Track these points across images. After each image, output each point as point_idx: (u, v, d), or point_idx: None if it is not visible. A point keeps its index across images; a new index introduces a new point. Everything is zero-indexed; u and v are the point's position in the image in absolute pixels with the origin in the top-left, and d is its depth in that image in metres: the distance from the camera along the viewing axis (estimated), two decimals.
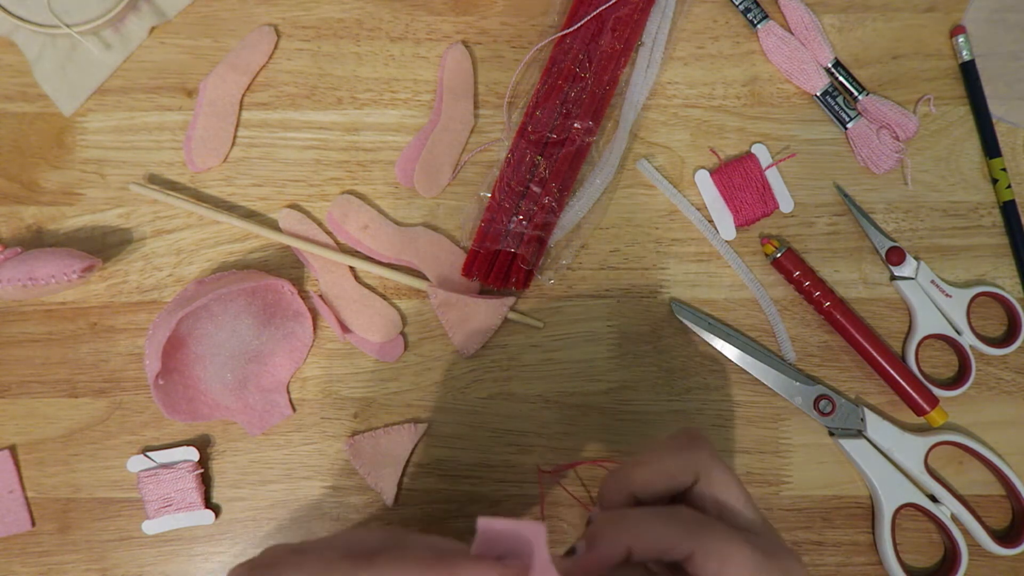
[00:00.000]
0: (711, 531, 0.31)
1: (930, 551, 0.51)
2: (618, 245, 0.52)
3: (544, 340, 0.51)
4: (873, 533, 0.50)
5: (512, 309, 0.51)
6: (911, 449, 0.50)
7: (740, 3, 0.53)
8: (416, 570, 0.28)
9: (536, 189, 0.50)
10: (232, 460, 0.51)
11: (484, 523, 0.27)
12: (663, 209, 0.52)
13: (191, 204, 0.51)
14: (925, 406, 0.50)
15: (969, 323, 0.51)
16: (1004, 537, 0.50)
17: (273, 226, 0.51)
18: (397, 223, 0.52)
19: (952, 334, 0.51)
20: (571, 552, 0.30)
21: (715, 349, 0.51)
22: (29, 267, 0.47)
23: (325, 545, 0.32)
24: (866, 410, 0.50)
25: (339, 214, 0.51)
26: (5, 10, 0.51)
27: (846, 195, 0.52)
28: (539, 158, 0.50)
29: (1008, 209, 0.52)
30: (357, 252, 0.52)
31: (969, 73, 0.53)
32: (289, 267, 0.52)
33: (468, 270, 0.50)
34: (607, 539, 0.30)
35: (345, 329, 0.51)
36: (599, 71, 0.51)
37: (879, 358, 0.50)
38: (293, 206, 0.52)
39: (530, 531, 0.27)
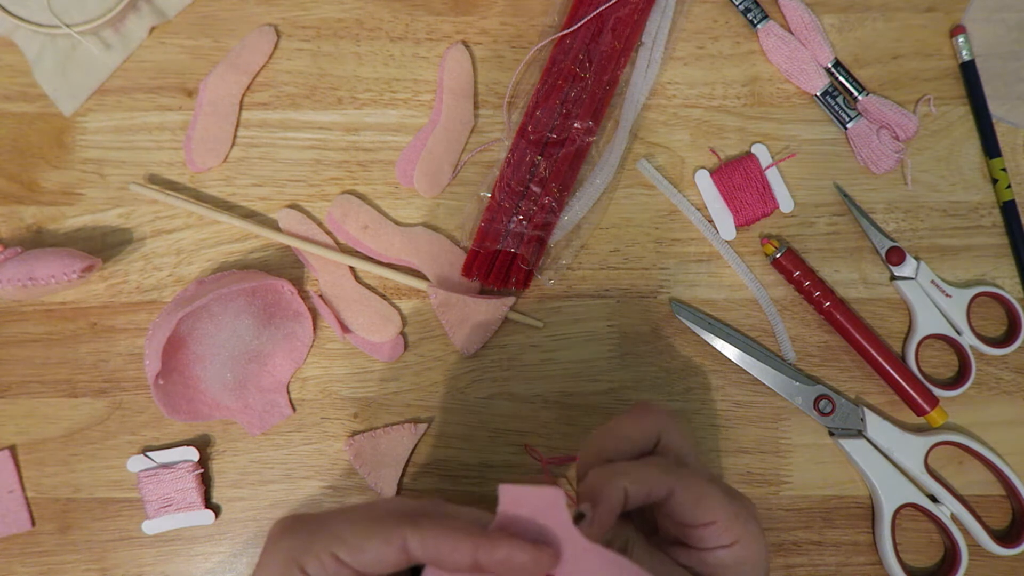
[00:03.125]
0: (687, 472, 0.34)
1: (930, 551, 0.51)
2: (618, 245, 0.52)
3: (544, 340, 0.51)
4: (873, 533, 0.50)
5: (512, 309, 0.51)
6: (911, 449, 0.50)
7: (740, 3, 0.53)
8: (460, 536, 0.30)
9: (536, 189, 0.50)
10: (232, 460, 0.51)
11: (505, 489, 0.30)
12: (663, 209, 0.52)
13: (191, 204, 0.51)
14: (925, 406, 0.50)
15: (969, 323, 0.51)
16: (1004, 537, 0.50)
17: (273, 226, 0.51)
18: (397, 223, 0.52)
19: (952, 334, 0.51)
20: (580, 517, 0.31)
21: (715, 349, 0.51)
22: (29, 267, 0.47)
23: (366, 506, 0.33)
24: (866, 410, 0.50)
25: (339, 214, 0.51)
26: (5, 10, 0.51)
27: (846, 195, 0.52)
28: (539, 158, 0.50)
29: (1008, 209, 0.52)
30: (357, 252, 0.52)
31: (969, 73, 0.53)
32: (289, 267, 0.52)
33: (468, 270, 0.50)
34: (606, 488, 0.32)
35: (345, 329, 0.51)
36: (599, 71, 0.51)
37: (879, 358, 0.50)
38: (293, 206, 0.52)
39: (549, 495, 0.30)
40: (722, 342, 0.50)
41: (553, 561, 0.29)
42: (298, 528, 0.32)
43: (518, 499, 0.30)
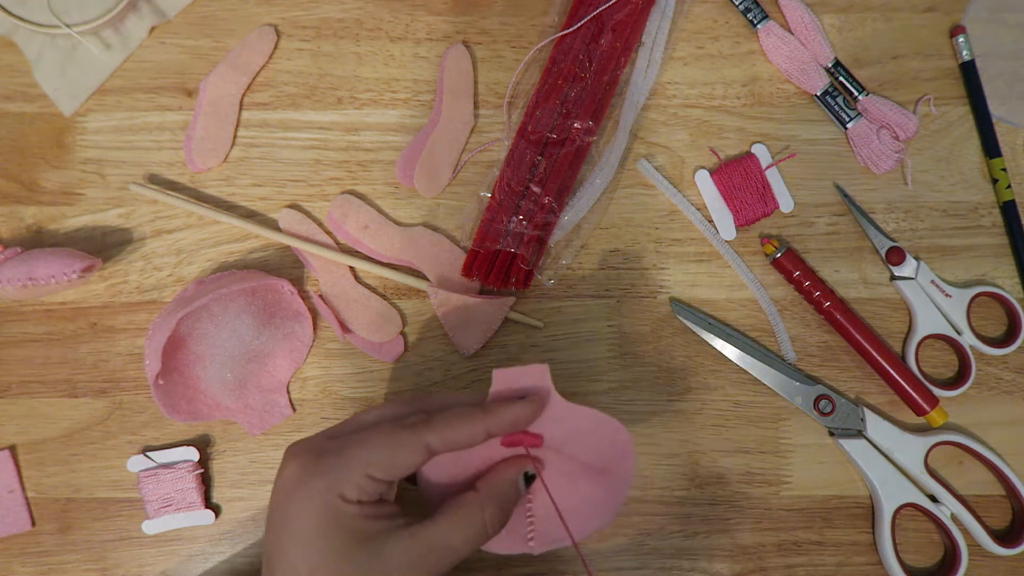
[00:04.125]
0: None
1: (930, 551, 0.51)
2: (618, 245, 0.52)
3: (544, 340, 0.51)
4: (873, 533, 0.50)
5: (512, 309, 0.51)
6: (911, 449, 0.50)
7: (740, 3, 0.53)
8: (468, 422, 0.35)
9: (536, 189, 0.50)
10: (232, 460, 0.50)
11: (498, 371, 0.37)
12: (663, 209, 0.52)
13: (191, 204, 0.51)
14: (925, 406, 0.50)
15: (969, 323, 0.51)
16: (1004, 537, 0.50)
17: (273, 226, 0.51)
18: (397, 223, 0.52)
19: (952, 334, 0.51)
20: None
21: (715, 349, 0.51)
22: (29, 267, 0.47)
23: (356, 425, 0.37)
24: (866, 410, 0.50)
25: (339, 214, 0.51)
26: (5, 10, 0.51)
27: (846, 195, 0.52)
28: (539, 158, 0.50)
29: (1008, 209, 0.52)
30: (357, 252, 0.52)
31: (969, 73, 0.53)
32: (289, 267, 0.52)
33: (468, 270, 0.50)
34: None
35: (345, 329, 0.51)
36: (599, 71, 0.51)
37: (879, 358, 0.50)
38: (293, 206, 0.52)
39: (536, 370, 0.37)
40: (722, 342, 0.50)
41: (543, 404, 0.36)
42: (325, 462, 0.34)
43: (509, 379, 0.37)
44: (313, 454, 0.35)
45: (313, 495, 0.33)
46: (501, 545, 0.39)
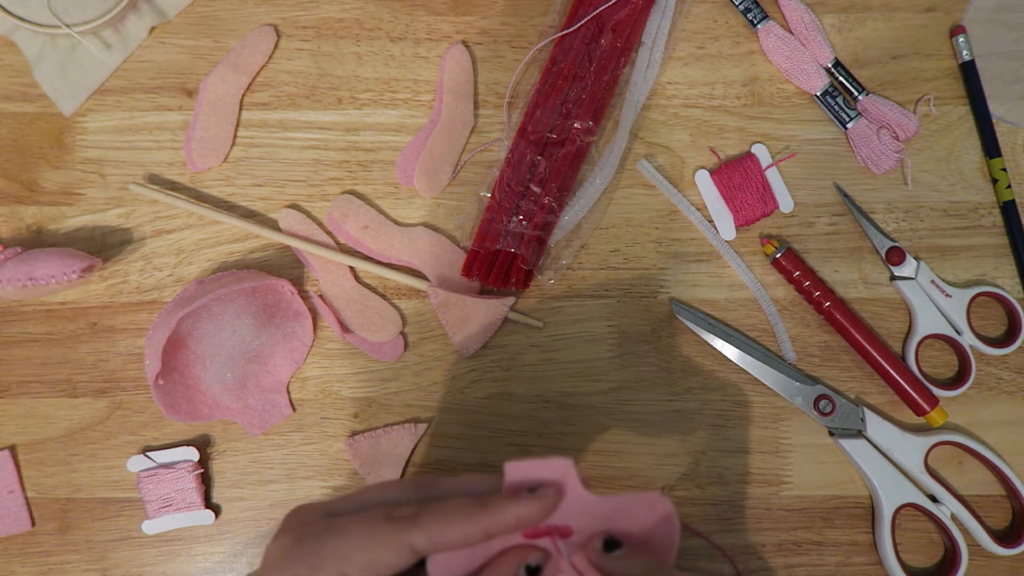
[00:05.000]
0: None
1: (930, 551, 0.51)
2: (618, 245, 0.52)
3: (544, 340, 0.51)
4: (873, 533, 0.50)
5: (512, 309, 0.51)
6: (911, 449, 0.50)
7: (740, 3, 0.53)
8: (461, 520, 0.29)
9: (536, 189, 0.50)
10: (232, 460, 0.50)
11: (511, 466, 0.30)
12: (663, 209, 0.52)
13: (191, 204, 0.51)
14: (925, 406, 0.50)
15: (969, 323, 0.51)
16: (1004, 537, 0.50)
17: (273, 226, 0.51)
18: (397, 223, 0.52)
19: (952, 334, 0.51)
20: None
21: (715, 349, 0.51)
22: (29, 267, 0.47)
23: (357, 504, 0.32)
24: (866, 410, 0.50)
25: (339, 214, 0.51)
26: (5, 10, 0.51)
27: (846, 195, 0.52)
28: (539, 158, 0.50)
29: (1008, 209, 0.52)
30: (357, 252, 0.52)
31: (969, 73, 0.53)
32: (289, 267, 0.52)
33: (468, 270, 0.50)
34: None
35: (345, 329, 0.51)
36: (599, 71, 0.51)
37: (879, 358, 0.50)
38: (293, 206, 0.52)
39: (558, 467, 0.29)
40: (722, 342, 0.50)
41: (557, 498, 0.30)
42: (300, 555, 0.31)
43: (524, 472, 0.30)
44: (297, 535, 0.32)
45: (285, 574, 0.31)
46: None
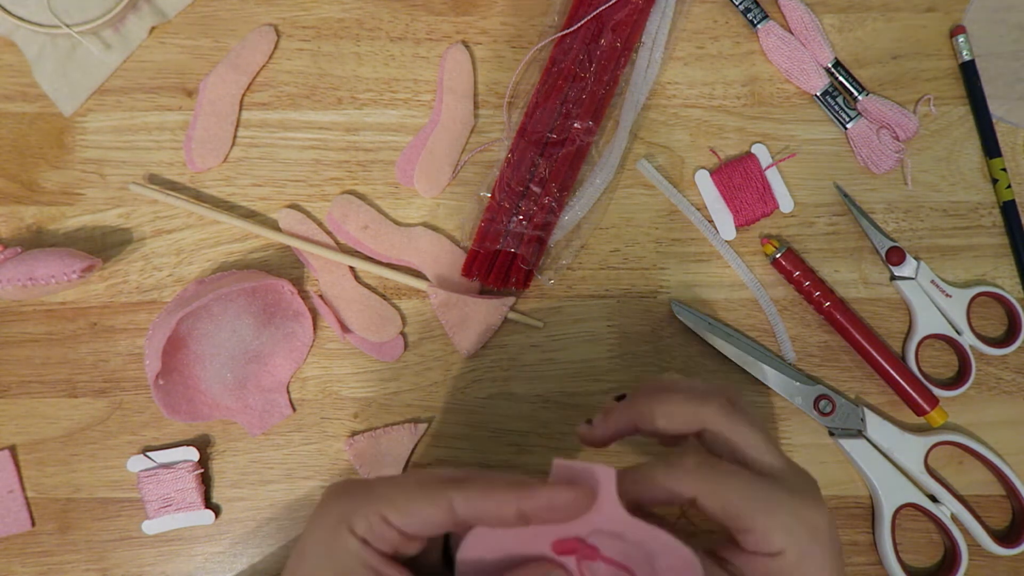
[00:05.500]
0: (714, 473, 0.33)
1: (930, 551, 0.51)
2: (618, 245, 0.52)
3: (544, 340, 0.51)
4: (873, 533, 0.50)
5: (512, 309, 0.51)
6: (911, 449, 0.50)
7: (740, 3, 0.53)
8: (501, 491, 0.31)
9: (536, 189, 0.50)
10: (232, 460, 0.51)
11: (559, 463, 0.32)
12: (663, 209, 0.52)
13: (191, 204, 0.51)
14: (925, 406, 0.50)
15: (969, 323, 0.51)
16: (1004, 537, 0.50)
17: (273, 226, 0.51)
18: (397, 223, 0.52)
19: (952, 334, 0.51)
20: (588, 422, 0.37)
21: (715, 349, 0.51)
22: (29, 267, 0.47)
23: (414, 473, 0.35)
24: (866, 410, 0.50)
25: (339, 214, 0.51)
26: (5, 10, 0.51)
27: (846, 195, 0.52)
28: (539, 158, 0.50)
29: (1008, 209, 0.52)
30: (357, 252, 0.52)
31: (969, 73, 0.53)
32: (289, 267, 0.52)
33: (468, 270, 0.50)
34: (625, 407, 0.37)
35: (345, 329, 0.51)
36: (599, 71, 0.51)
37: (879, 358, 0.50)
38: (293, 206, 0.52)
39: (601, 473, 0.31)
40: (722, 342, 0.50)
41: (590, 499, 0.31)
42: (350, 491, 0.32)
43: (569, 473, 0.32)
44: (346, 484, 0.33)
45: (328, 519, 0.32)
46: None
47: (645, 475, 0.33)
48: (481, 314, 0.50)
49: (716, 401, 0.35)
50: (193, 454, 0.49)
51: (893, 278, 0.52)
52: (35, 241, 0.51)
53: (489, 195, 0.51)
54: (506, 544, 0.32)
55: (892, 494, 0.49)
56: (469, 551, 0.32)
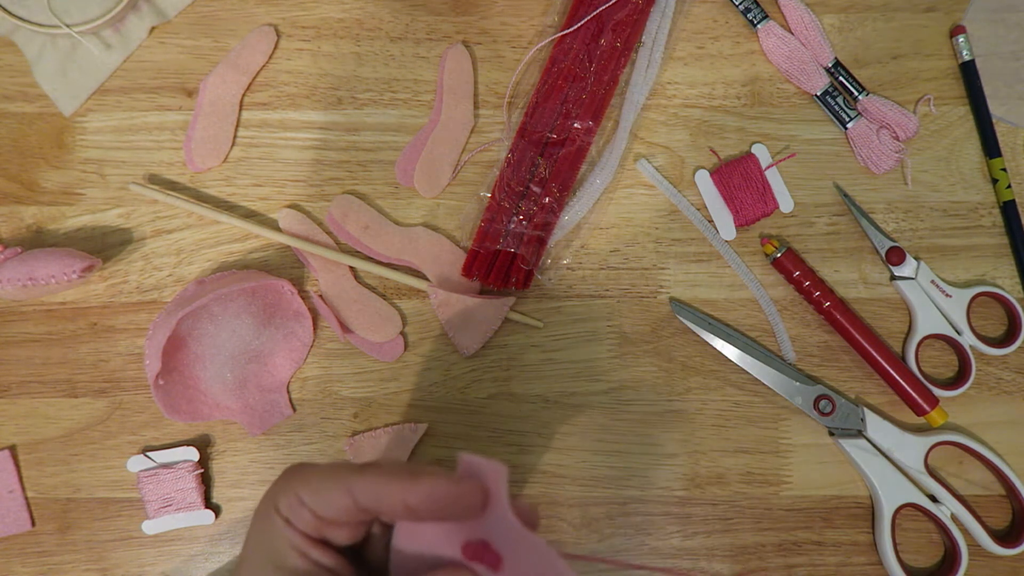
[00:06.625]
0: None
1: (930, 551, 0.51)
2: (618, 245, 0.52)
3: (544, 340, 0.51)
4: (873, 533, 0.50)
5: (512, 309, 0.51)
6: (911, 449, 0.50)
7: (740, 3, 0.53)
8: (394, 477, 0.31)
9: (536, 189, 0.50)
10: (232, 460, 0.51)
11: (464, 457, 0.32)
12: (663, 209, 0.52)
13: (191, 204, 0.51)
14: (925, 406, 0.50)
15: (969, 323, 0.51)
16: (1004, 537, 0.50)
17: (273, 226, 0.51)
18: (397, 223, 0.52)
19: (952, 334, 0.51)
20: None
21: (715, 349, 0.51)
22: (29, 267, 0.47)
23: (336, 462, 0.35)
24: (866, 410, 0.50)
25: (339, 214, 0.51)
26: (5, 10, 0.51)
27: (846, 195, 0.52)
28: (539, 158, 0.50)
29: (1008, 209, 0.52)
30: (357, 252, 0.52)
31: (969, 73, 0.53)
32: (289, 267, 0.52)
33: (468, 270, 0.50)
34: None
35: (345, 329, 0.51)
36: (599, 71, 0.51)
37: (879, 358, 0.50)
38: (293, 206, 0.52)
39: (495, 468, 0.31)
40: (722, 342, 0.50)
41: (481, 496, 0.31)
42: (286, 473, 0.33)
43: (472, 468, 0.32)
44: (290, 467, 0.34)
45: (265, 496, 0.33)
46: None
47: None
48: (481, 314, 0.50)
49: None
50: (193, 454, 0.49)
51: (893, 278, 0.52)
52: (35, 241, 0.51)
53: (489, 195, 0.51)
54: (426, 540, 0.32)
55: (892, 494, 0.49)
56: (397, 542, 0.33)
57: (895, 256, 0.51)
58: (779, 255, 0.50)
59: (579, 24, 0.51)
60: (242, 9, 0.53)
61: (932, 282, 0.51)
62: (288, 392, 0.51)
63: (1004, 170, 0.52)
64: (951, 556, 0.49)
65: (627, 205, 0.52)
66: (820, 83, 0.52)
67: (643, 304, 0.52)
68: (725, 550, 0.50)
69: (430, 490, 0.30)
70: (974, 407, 0.51)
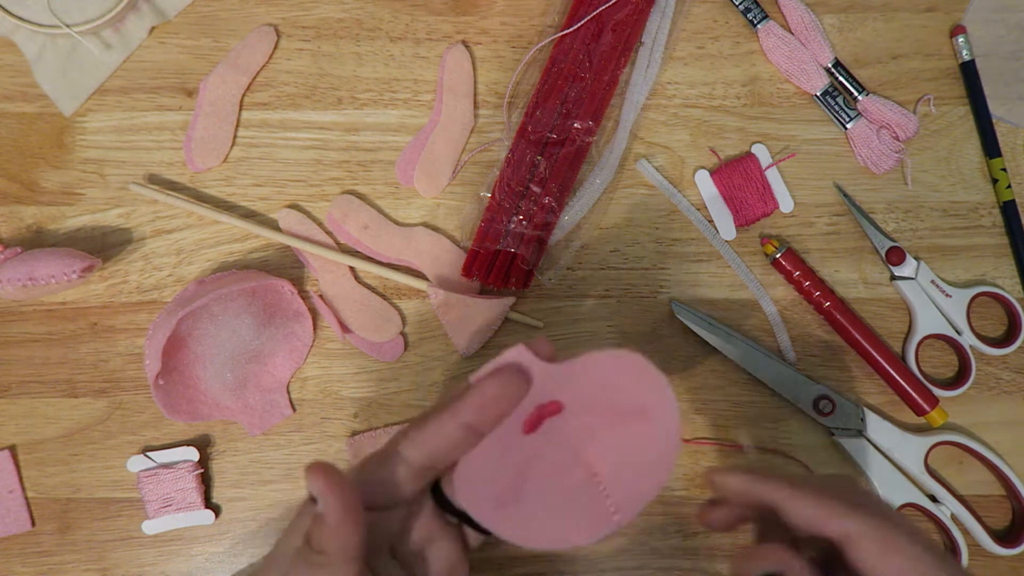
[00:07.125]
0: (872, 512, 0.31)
1: None
2: (618, 245, 0.52)
3: None
4: None
5: (512, 309, 0.51)
6: (911, 449, 0.50)
7: (740, 3, 0.53)
8: (438, 416, 0.31)
9: (536, 189, 0.50)
10: (232, 460, 0.50)
11: (474, 376, 0.32)
12: (663, 209, 0.52)
13: (191, 204, 0.51)
14: (925, 406, 0.50)
15: (969, 323, 0.51)
16: (1004, 537, 0.50)
17: (273, 226, 0.51)
18: (397, 223, 0.52)
19: (952, 334, 0.51)
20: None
21: (715, 349, 0.51)
22: (29, 267, 0.47)
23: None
24: (866, 410, 0.50)
25: (339, 214, 0.51)
26: (5, 10, 0.51)
27: (846, 195, 0.52)
28: (539, 158, 0.50)
29: (1008, 209, 0.52)
30: (357, 252, 0.52)
31: (969, 73, 0.53)
32: (289, 267, 0.52)
33: (468, 270, 0.50)
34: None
35: (345, 329, 0.51)
36: (599, 71, 0.51)
37: (879, 358, 0.50)
38: (293, 206, 0.52)
39: (512, 354, 0.32)
40: (722, 342, 0.50)
41: (521, 377, 0.32)
42: (357, 469, 0.33)
43: (493, 365, 0.32)
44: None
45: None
46: (585, 534, 0.33)
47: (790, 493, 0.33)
48: (481, 314, 0.50)
49: (860, 513, 0.32)
50: (193, 454, 0.49)
51: (893, 278, 0.52)
52: (35, 241, 0.51)
53: (489, 195, 0.51)
54: (493, 457, 0.32)
55: (892, 494, 0.49)
56: (463, 482, 0.32)
57: (895, 256, 0.51)
58: (779, 255, 0.50)
59: (579, 24, 0.51)
60: (242, 9, 0.53)
61: (932, 282, 0.51)
62: (288, 392, 0.51)
63: (1004, 170, 0.52)
64: (951, 556, 0.49)
65: (627, 205, 0.52)
66: (820, 83, 0.52)
67: (643, 304, 0.52)
68: (725, 550, 0.50)
69: (483, 395, 0.31)
70: (974, 407, 0.51)
